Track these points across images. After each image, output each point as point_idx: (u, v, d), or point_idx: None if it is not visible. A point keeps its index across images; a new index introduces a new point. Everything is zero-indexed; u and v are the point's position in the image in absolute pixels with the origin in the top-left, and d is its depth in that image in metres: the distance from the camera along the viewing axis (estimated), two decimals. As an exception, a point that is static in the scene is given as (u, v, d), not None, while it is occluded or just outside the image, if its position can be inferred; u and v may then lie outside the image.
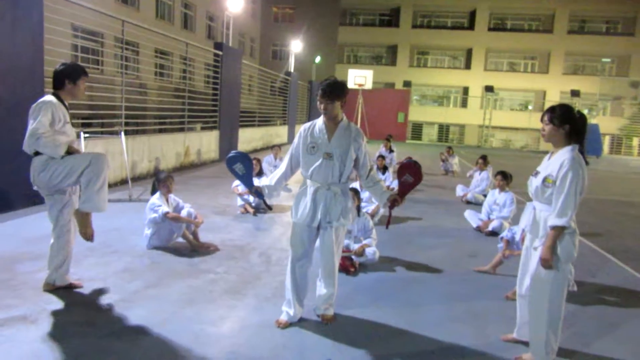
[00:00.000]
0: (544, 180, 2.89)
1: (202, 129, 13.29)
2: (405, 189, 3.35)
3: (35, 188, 3.44)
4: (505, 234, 4.88)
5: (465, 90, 35.69)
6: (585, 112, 28.71)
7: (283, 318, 3.34)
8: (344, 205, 3.27)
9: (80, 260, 4.19)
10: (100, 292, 3.67)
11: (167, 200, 4.95)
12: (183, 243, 4.98)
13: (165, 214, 4.74)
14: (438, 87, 37.32)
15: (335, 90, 3.16)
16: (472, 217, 6.81)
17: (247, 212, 6.75)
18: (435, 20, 37.33)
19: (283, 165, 3.41)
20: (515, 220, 5.50)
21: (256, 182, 3.55)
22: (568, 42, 34.16)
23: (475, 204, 8.49)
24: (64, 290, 3.60)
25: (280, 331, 3.23)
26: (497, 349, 3.15)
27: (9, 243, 4.71)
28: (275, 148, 10.09)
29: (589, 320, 3.77)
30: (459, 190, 9.33)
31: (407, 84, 31.56)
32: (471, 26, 35.78)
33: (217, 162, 12.60)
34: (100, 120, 12.40)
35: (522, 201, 6.61)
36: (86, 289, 3.70)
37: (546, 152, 3.07)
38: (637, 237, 7.02)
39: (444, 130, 36.19)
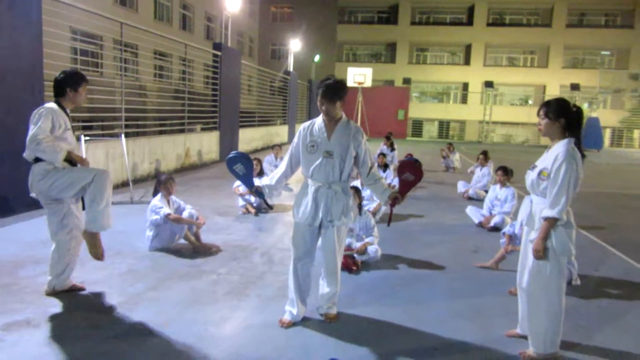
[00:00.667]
0: (540, 173, 2.92)
1: (202, 129, 13.30)
2: (406, 187, 3.34)
3: (33, 195, 3.44)
4: (507, 229, 4.87)
5: (465, 86, 35.63)
6: (586, 105, 28.77)
7: (286, 317, 3.34)
8: (345, 203, 3.26)
9: (83, 263, 4.18)
10: (103, 294, 3.67)
11: (168, 202, 4.95)
12: (185, 244, 4.98)
13: (167, 216, 4.75)
14: (438, 83, 37.25)
15: (336, 91, 3.15)
16: (473, 213, 6.80)
17: (249, 212, 6.75)
18: (434, 17, 37.25)
19: (283, 165, 3.41)
20: (516, 215, 5.49)
21: (257, 182, 3.55)
22: (567, 36, 34.05)
23: (477, 200, 8.48)
24: (66, 294, 3.61)
25: (283, 331, 3.23)
26: (500, 345, 3.15)
27: (10, 247, 4.72)
28: (275, 148, 10.09)
29: (592, 312, 3.77)
30: (461, 186, 9.33)
31: (406, 81, 31.52)
32: (470, 22, 35.70)
33: (218, 163, 12.60)
34: (100, 123, 12.43)
35: (524, 196, 6.63)
36: (89, 292, 3.71)
37: (547, 147, 3.08)
38: (638, 230, 7.00)
39: (444, 126, 36.13)
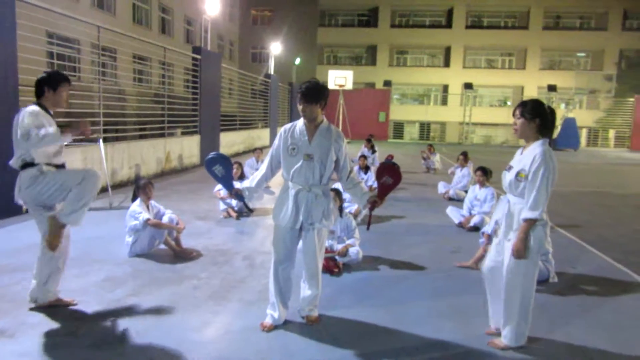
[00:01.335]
0: (517, 174, 2.99)
1: (183, 134, 13.19)
2: (384, 190, 3.37)
3: (19, 202, 3.36)
4: (486, 228, 4.94)
5: (445, 88, 36.01)
6: (563, 106, 29.23)
7: (267, 321, 3.33)
8: (326, 206, 3.27)
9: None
10: (82, 302, 3.61)
11: (147, 207, 4.91)
12: (165, 250, 4.94)
13: (146, 221, 4.70)
14: (418, 85, 37.57)
15: (316, 93, 3.16)
16: (454, 214, 6.88)
17: (230, 216, 6.72)
18: (414, 19, 37.58)
19: (263, 167, 3.41)
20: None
21: (238, 185, 3.54)
22: (543, 38, 34.70)
23: (457, 201, 8.57)
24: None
25: (264, 334, 3.22)
26: (480, 343, 3.19)
27: (-14, 256, 4.62)
28: (257, 151, 10.06)
29: (568, 308, 3.85)
30: (441, 187, 9.42)
31: (387, 83, 31.74)
32: (449, 24, 36.12)
33: (199, 167, 12.52)
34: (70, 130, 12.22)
35: (502, 195, 6.71)
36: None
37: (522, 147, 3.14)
38: (613, 227, 7.16)
39: (425, 128, 36.45)
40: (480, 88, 34.34)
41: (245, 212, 6.82)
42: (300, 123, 3.29)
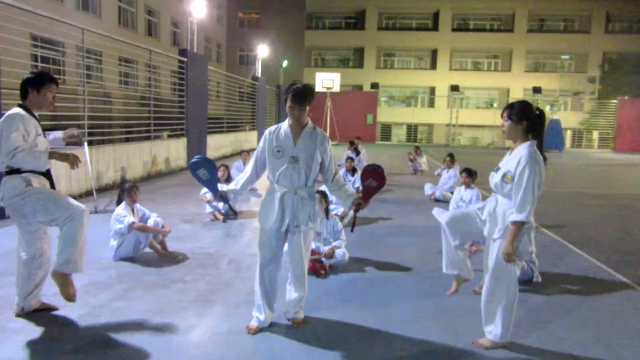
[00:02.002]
0: (504, 176, 3.00)
1: (170, 136, 13.12)
2: (369, 193, 3.39)
3: (1, 204, 3.27)
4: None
5: (432, 90, 36.25)
6: (547, 108, 29.59)
7: (253, 324, 3.33)
8: (311, 209, 3.28)
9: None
10: (65, 307, 3.56)
11: (132, 211, 4.87)
12: (151, 253, 4.91)
13: (131, 224, 4.67)
14: (405, 87, 37.79)
15: (304, 95, 3.17)
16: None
17: (217, 219, 6.70)
18: (400, 22, 37.81)
19: (248, 169, 3.41)
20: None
21: (223, 187, 3.52)
22: (528, 41, 35.14)
23: (444, 202, 8.62)
24: (26, 307, 3.49)
25: (250, 337, 3.22)
26: (465, 343, 3.21)
27: (-33, 261, 4.54)
28: (243, 153, 10.05)
29: (552, 307, 3.89)
30: (427, 188, 9.47)
31: (374, 85, 31.87)
32: (435, 27, 36.39)
33: (186, 170, 12.44)
34: (63, 131, 12.10)
35: (488, 197, 6.78)
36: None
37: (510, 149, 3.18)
38: (597, 227, 7.26)
39: (412, 130, 36.65)
40: (466, 90, 34.67)
41: (231, 215, 6.80)
42: (285, 125, 3.29)
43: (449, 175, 9.39)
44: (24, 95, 3.27)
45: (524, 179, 2.88)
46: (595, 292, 4.36)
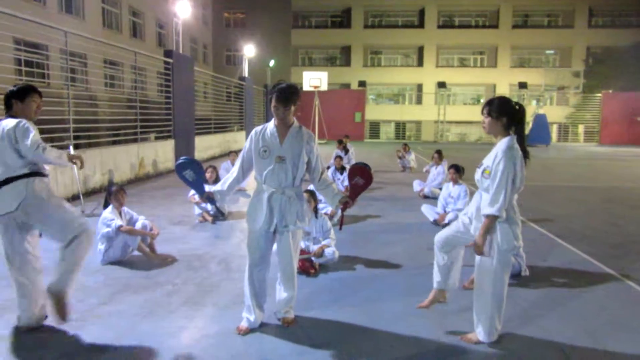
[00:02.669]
0: (483, 171, 3.02)
1: (157, 138, 13.03)
2: (356, 191, 3.40)
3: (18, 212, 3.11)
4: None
5: (420, 87, 36.42)
6: (534, 103, 29.82)
7: (243, 324, 3.32)
8: (299, 208, 3.28)
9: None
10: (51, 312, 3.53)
11: (120, 214, 4.83)
12: (139, 256, 4.87)
13: (119, 228, 4.63)
14: (393, 85, 37.91)
15: (290, 95, 3.16)
16: (428, 211, 6.95)
17: (206, 220, 6.67)
18: (386, 20, 37.92)
19: (235, 170, 3.40)
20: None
21: (209, 188, 3.51)
22: (513, 36, 35.44)
23: (433, 198, 8.66)
24: (11, 314, 3.44)
25: (240, 338, 3.21)
26: (454, 339, 3.23)
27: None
28: (232, 154, 10.01)
29: (540, 301, 3.93)
30: (416, 185, 9.51)
31: (362, 83, 31.92)
32: (421, 24, 36.56)
33: (174, 172, 12.34)
34: (48, 135, 11.97)
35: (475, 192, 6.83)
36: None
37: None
38: (583, 220, 7.34)
39: (400, 127, 36.76)
40: (453, 87, 34.82)
41: (220, 216, 6.77)
42: (271, 125, 3.28)
43: (437, 172, 9.44)
44: (9, 107, 3.28)
45: (498, 173, 2.90)
46: (583, 284, 4.40)
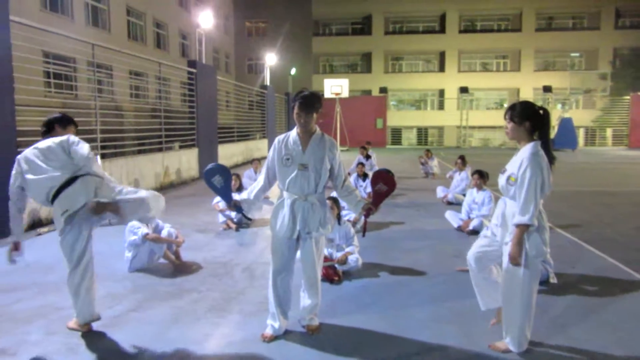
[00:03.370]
0: (508, 178, 2.96)
1: (181, 147, 13.22)
2: (379, 197, 3.38)
3: (85, 209, 3.23)
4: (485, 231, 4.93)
5: (441, 93, 36.13)
6: (559, 106, 29.25)
7: (268, 332, 3.33)
8: (322, 215, 3.29)
9: (60, 287, 4.12)
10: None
11: (146, 222, 4.91)
12: (165, 264, 4.94)
13: (145, 236, 4.71)
14: (414, 91, 37.72)
15: (312, 103, 3.19)
16: (452, 218, 6.88)
17: (230, 228, 6.73)
18: (407, 26, 37.82)
19: (261, 179, 3.43)
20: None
21: (237, 197, 3.53)
22: (537, 40, 34.92)
23: (456, 204, 8.57)
24: (43, 320, 3.54)
25: (265, 345, 3.22)
26: (482, 347, 3.18)
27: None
28: (254, 162, 10.07)
29: (569, 309, 3.84)
30: (440, 191, 9.43)
31: (383, 90, 31.82)
32: (442, 29, 36.32)
33: (198, 181, 12.54)
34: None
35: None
36: (66, 317, 3.62)
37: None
38: (613, 226, 7.16)
39: (422, 133, 36.50)
40: (476, 91, 34.44)
41: (244, 223, 6.83)
42: (293, 133, 3.31)
43: (461, 178, 9.34)
44: (50, 129, 3.46)
45: (526, 181, 2.83)
46: (613, 292, 4.29)
